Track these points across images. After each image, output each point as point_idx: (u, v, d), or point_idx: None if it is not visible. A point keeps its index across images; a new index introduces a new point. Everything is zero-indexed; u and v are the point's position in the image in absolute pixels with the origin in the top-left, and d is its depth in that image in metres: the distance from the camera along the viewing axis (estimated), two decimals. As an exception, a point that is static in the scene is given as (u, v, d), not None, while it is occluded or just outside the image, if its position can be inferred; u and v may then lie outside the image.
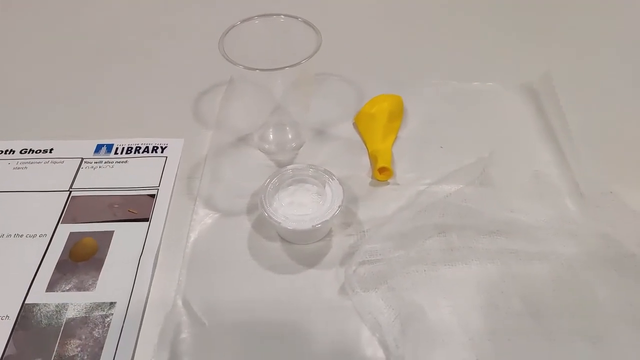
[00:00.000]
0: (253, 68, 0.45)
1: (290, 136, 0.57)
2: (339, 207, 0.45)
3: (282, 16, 0.51)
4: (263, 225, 0.49)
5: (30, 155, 0.56)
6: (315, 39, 0.48)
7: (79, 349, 0.41)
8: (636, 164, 0.54)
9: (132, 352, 0.40)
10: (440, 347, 0.40)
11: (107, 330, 0.42)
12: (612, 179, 0.51)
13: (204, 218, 0.49)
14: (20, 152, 0.56)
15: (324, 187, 0.47)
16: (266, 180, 0.47)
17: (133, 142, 0.57)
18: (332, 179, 0.47)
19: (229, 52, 0.47)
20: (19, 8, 0.80)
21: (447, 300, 0.43)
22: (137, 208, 0.50)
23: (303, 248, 0.47)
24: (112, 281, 0.45)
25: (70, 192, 0.52)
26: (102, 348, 0.41)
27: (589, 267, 0.45)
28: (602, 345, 0.40)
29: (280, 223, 0.44)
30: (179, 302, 0.43)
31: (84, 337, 0.41)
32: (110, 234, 0.48)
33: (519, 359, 0.40)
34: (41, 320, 0.42)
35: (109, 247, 0.47)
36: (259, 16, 0.51)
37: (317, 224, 0.44)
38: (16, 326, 0.42)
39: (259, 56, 0.47)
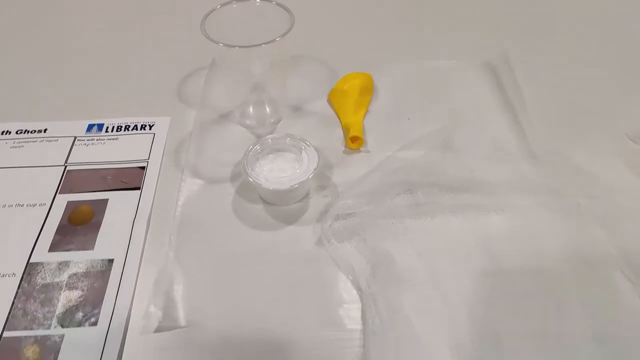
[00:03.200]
0: (232, 45, 0.50)
1: (268, 112, 0.62)
2: (314, 169, 0.50)
3: (258, 0, 0.55)
4: (246, 190, 0.53)
5: (26, 135, 0.59)
6: (289, 19, 0.53)
7: (81, 299, 0.45)
8: (582, 128, 0.60)
9: (130, 300, 0.45)
10: (407, 286, 0.45)
11: (107, 283, 0.46)
12: (562, 142, 0.57)
13: (191, 186, 0.54)
14: (17, 133, 0.60)
15: (301, 153, 0.52)
16: (248, 147, 0.51)
17: (122, 121, 0.61)
18: (308, 146, 0.52)
19: (210, 34, 0.51)
20: None
21: (414, 248, 0.48)
22: (128, 179, 0.55)
23: (283, 209, 0.52)
24: (109, 241, 0.49)
25: (66, 166, 0.56)
26: (103, 297, 0.45)
27: (540, 216, 0.50)
28: (550, 279, 0.45)
29: (261, 184, 0.49)
30: (171, 256, 0.47)
31: (85, 289, 0.45)
32: (105, 201, 0.52)
33: (476, 293, 0.45)
34: (45, 277, 0.46)
35: (104, 212, 0.51)
36: (236, 0, 0.55)
37: (295, 184, 0.49)
38: (22, 282, 0.46)
39: (238, 38, 0.51)
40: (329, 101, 0.63)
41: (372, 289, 0.44)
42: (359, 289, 0.45)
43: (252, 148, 0.52)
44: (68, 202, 0.52)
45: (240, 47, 0.50)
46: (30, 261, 0.47)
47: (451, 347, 0.41)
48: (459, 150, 0.56)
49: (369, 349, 0.41)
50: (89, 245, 0.49)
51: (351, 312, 0.44)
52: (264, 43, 0.50)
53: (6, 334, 0.43)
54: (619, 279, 0.45)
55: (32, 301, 0.45)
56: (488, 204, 0.51)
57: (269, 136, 0.53)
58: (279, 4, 0.55)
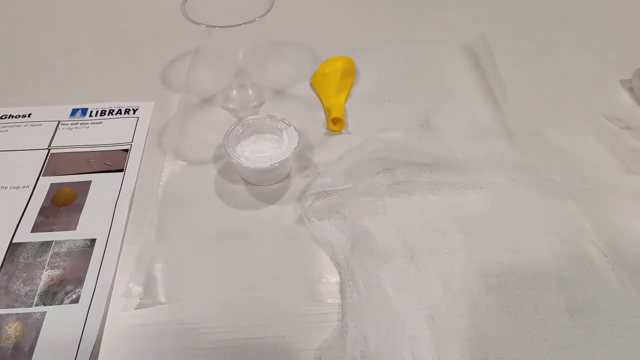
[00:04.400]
0: (213, 26, 0.50)
1: (251, 95, 0.62)
2: (294, 148, 0.50)
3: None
4: (228, 172, 0.54)
5: (10, 120, 0.60)
6: (269, 1, 0.53)
7: (63, 277, 0.45)
8: (558, 108, 0.61)
9: (112, 278, 0.45)
10: (384, 261, 0.46)
11: (89, 262, 0.46)
12: (538, 122, 0.58)
13: (174, 167, 0.54)
14: (1, 118, 0.60)
15: (282, 133, 0.52)
16: (230, 127, 0.52)
17: (106, 105, 0.62)
18: (289, 126, 0.53)
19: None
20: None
21: (392, 225, 0.49)
22: (112, 161, 0.55)
23: (265, 189, 0.53)
24: (91, 222, 0.49)
25: (49, 149, 0.56)
26: (84, 275, 0.45)
27: (516, 193, 0.51)
28: (525, 252, 0.46)
29: (242, 163, 0.49)
30: (152, 234, 0.48)
31: (67, 268, 0.46)
32: (88, 183, 0.53)
33: (452, 267, 0.45)
34: (28, 256, 0.47)
35: (87, 194, 0.52)
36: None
37: (275, 163, 0.49)
38: (4, 262, 0.46)
39: (219, 24, 0.52)
40: (311, 84, 0.64)
41: (351, 264, 0.45)
42: (338, 264, 0.46)
43: (233, 129, 0.52)
44: (51, 184, 0.53)
45: (221, 27, 0.50)
46: (13, 241, 0.48)
47: (427, 319, 0.42)
48: (437, 131, 0.57)
49: (348, 322, 0.42)
50: (71, 225, 0.49)
51: (330, 287, 0.45)
52: (244, 23, 0.50)
53: (-12, 312, 0.43)
54: (592, 252, 0.46)
55: (14, 280, 0.45)
56: (465, 181, 0.52)
57: (250, 117, 0.54)
58: (259, -13, 0.55)
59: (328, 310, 0.43)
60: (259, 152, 0.51)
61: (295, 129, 0.52)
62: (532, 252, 0.46)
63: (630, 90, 0.63)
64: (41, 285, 0.45)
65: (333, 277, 0.45)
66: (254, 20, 0.51)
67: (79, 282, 0.45)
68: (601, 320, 0.42)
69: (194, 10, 0.53)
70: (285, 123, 0.53)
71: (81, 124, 0.59)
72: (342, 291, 0.44)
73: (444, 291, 0.44)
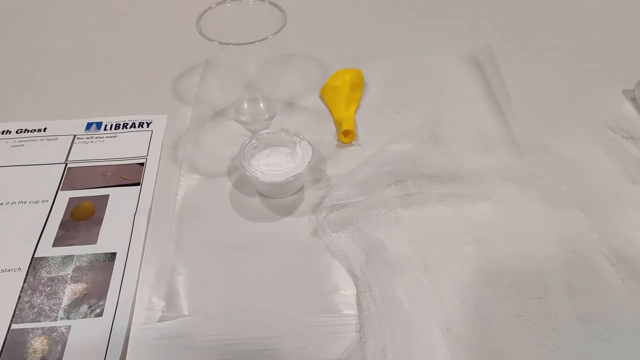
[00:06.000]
0: (227, 43, 0.51)
1: (263, 108, 0.63)
2: (308, 162, 0.52)
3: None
4: (243, 184, 0.55)
5: (26, 134, 0.61)
6: (281, 18, 0.54)
7: (86, 291, 0.46)
8: (563, 118, 0.62)
9: (134, 291, 0.46)
10: (399, 272, 0.47)
11: (110, 275, 0.47)
12: (545, 133, 0.59)
13: (190, 180, 0.56)
14: (17, 132, 0.61)
15: (295, 147, 0.53)
16: (245, 142, 0.53)
17: (120, 119, 0.63)
18: (302, 140, 0.54)
19: (205, 33, 0.53)
20: None
21: (405, 235, 0.50)
22: (128, 175, 0.56)
23: (279, 201, 0.54)
24: (111, 236, 0.51)
25: (66, 164, 0.57)
26: (107, 289, 0.46)
27: (525, 203, 0.52)
28: (536, 262, 0.48)
29: (258, 177, 0.51)
30: (172, 247, 0.49)
31: (90, 282, 0.47)
32: (106, 197, 0.54)
33: (465, 278, 0.47)
34: (50, 271, 0.48)
35: (105, 208, 0.53)
36: (230, 0, 0.57)
37: (290, 177, 0.50)
38: (28, 276, 0.47)
39: (232, 37, 0.53)
40: (321, 97, 0.65)
41: (367, 275, 0.46)
42: (353, 276, 0.47)
43: (249, 142, 0.53)
44: (70, 198, 0.54)
45: (234, 45, 0.52)
46: (35, 256, 0.49)
47: (442, 329, 0.43)
48: (446, 142, 0.58)
49: (365, 333, 0.43)
50: (91, 239, 0.50)
51: (346, 299, 0.46)
52: (258, 41, 0.52)
53: (14, 326, 0.44)
54: (600, 261, 0.47)
55: (38, 294, 0.46)
56: (475, 192, 0.53)
57: (264, 131, 0.55)
58: (271, 3, 0.56)
59: (345, 322, 0.45)
60: (274, 166, 0.53)
61: (309, 143, 0.53)
62: (542, 262, 0.48)
63: (633, 100, 0.64)
64: (65, 299, 0.46)
65: (348, 289, 0.47)
66: (267, 39, 0.52)
67: (102, 295, 0.46)
68: (611, 329, 0.43)
69: (207, 23, 0.54)
70: (299, 137, 0.54)
71: (96, 137, 0.60)
72: (358, 302, 0.45)
73: (458, 301, 0.45)
